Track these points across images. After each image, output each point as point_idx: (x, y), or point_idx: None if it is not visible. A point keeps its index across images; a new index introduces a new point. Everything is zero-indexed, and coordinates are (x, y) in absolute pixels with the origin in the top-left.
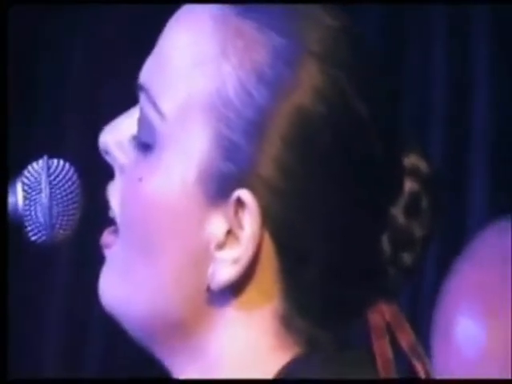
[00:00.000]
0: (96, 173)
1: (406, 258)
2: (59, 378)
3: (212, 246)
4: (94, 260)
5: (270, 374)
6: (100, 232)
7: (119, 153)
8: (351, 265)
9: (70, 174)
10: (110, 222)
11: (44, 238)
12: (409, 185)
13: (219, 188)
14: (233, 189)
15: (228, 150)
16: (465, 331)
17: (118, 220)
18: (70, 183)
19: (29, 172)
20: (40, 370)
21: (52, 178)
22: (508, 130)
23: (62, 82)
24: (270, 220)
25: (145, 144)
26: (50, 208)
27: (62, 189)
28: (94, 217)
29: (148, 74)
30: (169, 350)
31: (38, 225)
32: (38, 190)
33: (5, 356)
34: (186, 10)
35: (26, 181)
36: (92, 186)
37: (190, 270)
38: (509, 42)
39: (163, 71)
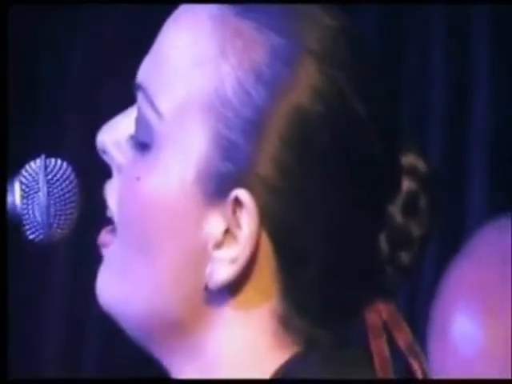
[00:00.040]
0: (94, 172)
1: (404, 257)
2: (59, 378)
3: (210, 246)
4: (92, 259)
5: (268, 374)
6: (97, 231)
7: (117, 152)
8: (349, 264)
9: (67, 173)
10: (108, 221)
11: (42, 237)
12: (407, 184)
13: (217, 187)
14: (231, 188)
15: (226, 149)
16: (462, 330)
17: (116, 219)
18: (67, 182)
19: (26, 171)
20: (38, 369)
21: (50, 177)
22: (507, 130)
23: (61, 82)
24: (267, 219)
25: (142, 143)
26: (48, 207)
27: (60, 188)
28: (92, 216)
29: (146, 73)
30: (167, 349)
31: (35, 224)
32: (36, 189)
33: (5, 356)
34: (184, 9)
35: (23, 180)
36: (89, 185)
37: (187, 269)
38: (508, 41)
39: (161, 70)
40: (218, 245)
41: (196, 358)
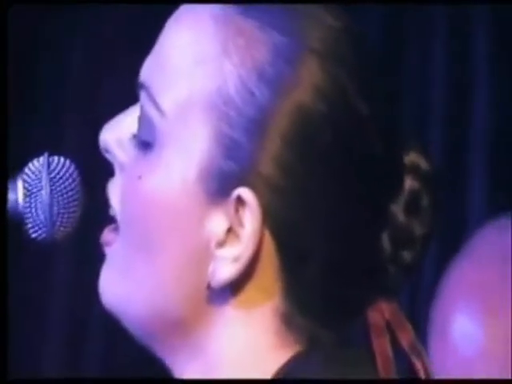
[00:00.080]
0: (96, 171)
1: (406, 256)
2: (59, 378)
3: (212, 244)
4: (95, 258)
5: (270, 373)
6: (100, 230)
7: (119, 151)
8: (351, 263)
9: (70, 171)
10: (111, 219)
11: (44, 235)
12: (409, 183)
13: (220, 186)
14: (233, 187)
15: (229, 148)
16: (462, 329)
17: (118, 218)
18: (70, 180)
19: (29, 169)
20: (40, 368)
21: (53, 175)
22: (507, 130)
23: (62, 81)
24: (270, 218)
25: (145, 142)
26: (51, 205)
27: (63, 186)
28: (95, 215)
29: (148, 72)
30: (169, 348)
31: (38, 222)
32: (39, 188)
33: (5, 356)
34: (186, 8)
35: (26, 178)
36: (92, 183)
37: (190, 268)
38: (508, 42)
39: (164, 69)
40: (221, 243)
41: (198, 357)
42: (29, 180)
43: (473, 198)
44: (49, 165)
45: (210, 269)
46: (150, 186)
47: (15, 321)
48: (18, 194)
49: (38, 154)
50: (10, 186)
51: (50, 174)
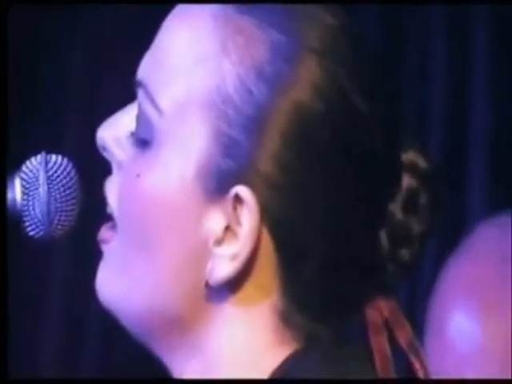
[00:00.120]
0: (94, 169)
1: (404, 254)
2: (59, 379)
3: (210, 242)
4: (92, 256)
5: (268, 370)
6: (98, 228)
7: (117, 149)
8: (349, 260)
9: (68, 169)
10: (108, 217)
11: (42, 233)
12: (407, 181)
13: (218, 184)
14: (231, 185)
15: (227, 146)
16: (459, 326)
17: (116, 216)
18: (68, 179)
19: (27, 167)
20: (38, 367)
21: (50, 173)
22: (506, 128)
23: (61, 81)
24: (268, 216)
25: (143, 140)
26: (48, 203)
27: (60, 184)
28: (92, 213)
29: (146, 70)
30: (167, 346)
31: (35, 220)
32: (36, 186)
33: (5, 356)
34: (185, 7)
35: (24, 176)
36: (90, 181)
37: (188, 266)
38: (508, 41)
39: (162, 67)
40: (219, 241)
41: (196, 355)
42: (26, 178)
43: (471, 196)
44: (46, 163)
45: (208, 267)
46: (148, 184)
47: (14, 320)
48: (15, 192)
49: (37, 152)
50: (7, 184)
51: (47, 172)
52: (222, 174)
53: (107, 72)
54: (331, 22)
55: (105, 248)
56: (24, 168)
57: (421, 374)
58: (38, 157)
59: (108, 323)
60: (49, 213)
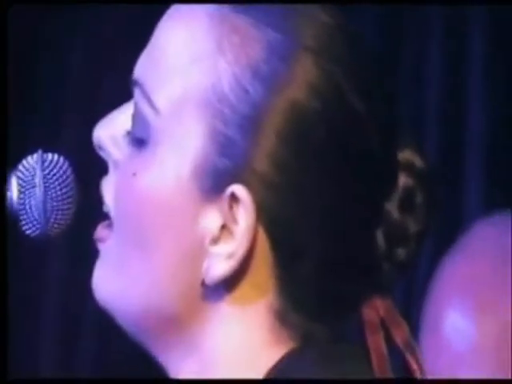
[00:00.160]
0: (90, 167)
1: (401, 253)
2: (59, 379)
3: (206, 241)
4: (88, 254)
5: (264, 369)
6: (94, 226)
7: (113, 148)
8: (346, 259)
9: (64, 168)
10: (104, 216)
11: (38, 232)
12: (403, 180)
13: (214, 183)
14: (228, 184)
15: (223, 145)
16: (454, 324)
17: (112, 215)
18: (64, 177)
19: (23, 166)
20: (37, 367)
21: (46, 172)
22: (503, 129)
23: (60, 81)
24: (264, 215)
25: (139, 139)
26: (45, 202)
27: (57, 183)
28: (88, 211)
29: (142, 69)
30: (163, 345)
31: (32, 219)
32: (33, 185)
33: (5, 356)
34: (180, 6)
35: (20, 175)
36: (86, 180)
37: (184, 264)
38: (504, 42)
39: (158, 66)
40: (215, 240)
41: (193, 354)
42: (23, 177)
43: (467, 195)
44: (43, 162)
45: (205, 266)
46: (144, 183)
47: (13, 319)
48: (12, 190)
49: (34, 150)
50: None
51: (43, 171)
52: (218, 172)
53: (106, 72)
54: (328, 21)
55: (101, 247)
56: (20, 167)
57: (417, 374)
58: (35, 156)
59: (104, 322)
60: (45, 211)
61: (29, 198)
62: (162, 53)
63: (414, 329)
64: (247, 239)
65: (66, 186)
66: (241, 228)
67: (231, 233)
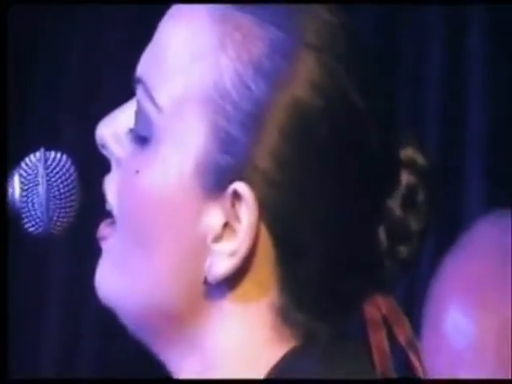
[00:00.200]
0: (93, 165)
1: (403, 250)
2: (59, 379)
3: (209, 239)
4: (91, 253)
5: (266, 367)
6: (96, 225)
7: (116, 146)
8: (348, 257)
9: (67, 166)
10: (107, 214)
11: (41, 230)
12: (405, 177)
13: (216, 180)
14: (230, 181)
15: (225, 142)
16: (455, 322)
17: (115, 213)
18: (67, 175)
19: (26, 164)
20: (38, 364)
21: (49, 170)
22: (504, 126)
23: (61, 80)
24: (266, 212)
25: (141, 137)
26: (47, 200)
27: (59, 181)
28: (91, 209)
29: (145, 66)
30: (165, 343)
31: (35, 217)
32: (36, 183)
33: (5, 356)
34: (182, 6)
35: (23, 173)
36: (89, 178)
37: (186, 262)
38: (504, 41)
39: (160, 64)
40: (217, 238)
41: (194, 352)
42: (25, 175)
43: (469, 193)
44: (45, 160)
45: (207, 263)
46: (147, 181)
47: (13, 318)
48: (14, 188)
49: (36, 148)
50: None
51: (46, 168)
52: (220, 170)
53: (106, 71)
54: (330, 19)
55: (104, 245)
56: (23, 165)
57: (420, 372)
58: (37, 154)
59: (106, 321)
60: (48, 209)
61: (31, 195)
62: (163, 51)
63: (416, 326)
64: (249, 237)
65: (68, 184)
66: (243, 226)
67: (233, 230)
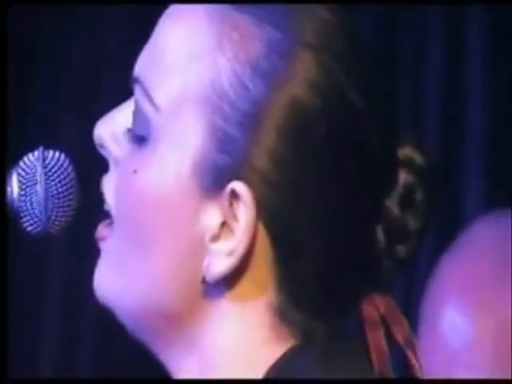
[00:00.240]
0: (91, 166)
1: (401, 249)
2: (59, 379)
3: (207, 238)
4: (89, 252)
5: (264, 366)
6: (95, 225)
7: (114, 146)
8: (346, 257)
9: (65, 165)
10: (105, 214)
11: (39, 229)
12: (403, 177)
13: (214, 180)
14: (227, 181)
15: (223, 142)
16: (452, 321)
17: (113, 213)
18: (65, 174)
19: (24, 163)
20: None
21: (47, 169)
22: (504, 125)
23: (60, 80)
24: (264, 212)
25: (139, 136)
26: (46, 199)
27: (58, 180)
28: (89, 210)
29: (143, 66)
30: (163, 342)
31: (33, 216)
32: (34, 182)
33: (5, 356)
34: (180, 6)
35: (21, 172)
36: (87, 178)
37: (184, 262)
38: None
39: (158, 64)
40: (215, 237)
41: (193, 352)
42: (24, 174)
43: (469, 193)
44: (44, 159)
45: (205, 263)
46: (145, 181)
47: (13, 318)
48: (13, 187)
49: (35, 147)
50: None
51: (44, 168)
52: (217, 169)
53: (106, 71)
54: (328, 18)
55: (102, 246)
56: (21, 164)
57: (418, 371)
58: (36, 153)
59: (105, 321)
60: (46, 209)
61: (30, 195)
62: (161, 50)
63: (413, 325)
64: (247, 236)
65: (66, 183)
66: (241, 225)
67: (231, 230)
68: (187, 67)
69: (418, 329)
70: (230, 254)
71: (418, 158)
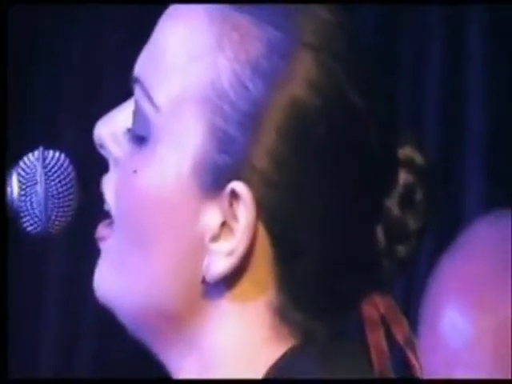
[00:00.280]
0: (91, 166)
1: (401, 249)
2: (59, 379)
3: (207, 238)
4: (89, 252)
5: (264, 366)
6: (95, 225)
7: (114, 146)
8: (346, 257)
9: (65, 165)
10: (105, 215)
11: (39, 229)
12: (403, 177)
13: (214, 180)
14: (227, 181)
15: (223, 142)
16: (452, 321)
17: (113, 213)
18: (65, 174)
19: (24, 163)
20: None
21: (47, 169)
22: (504, 125)
23: (60, 80)
24: (264, 212)
25: (139, 136)
26: (46, 199)
27: (58, 180)
28: (89, 210)
29: (143, 66)
30: (163, 342)
31: (33, 216)
32: (34, 182)
33: (5, 356)
34: (180, 6)
35: (21, 172)
36: (87, 178)
37: (184, 262)
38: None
39: (158, 63)
40: (215, 237)
41: (193, 352)
42: (24, 174)
43: (468, 192)
44: (44, 159)
45: (205, 263)
46: (145, 181)
47: (13, 318)
48: (13, 187)
49: (35, 147)
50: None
51: (44, 168)
52: (217, 169)
53: (106, 71)
54: (328, 18)
55: (102, 245)
56: (21, 164)
57: (418, 371)
58: (36, 153)
59: (105, 321)
60: (46, 208)
61: (30, 194)
62: (161, 50)
63: (413, 325)
64: (247, 236)
65: (66, 183)
66: (241, 225)
67: (231, 230)
68: (187, 67)
69: (418, 329)
70: (230, 253)
71: (418, 158)
